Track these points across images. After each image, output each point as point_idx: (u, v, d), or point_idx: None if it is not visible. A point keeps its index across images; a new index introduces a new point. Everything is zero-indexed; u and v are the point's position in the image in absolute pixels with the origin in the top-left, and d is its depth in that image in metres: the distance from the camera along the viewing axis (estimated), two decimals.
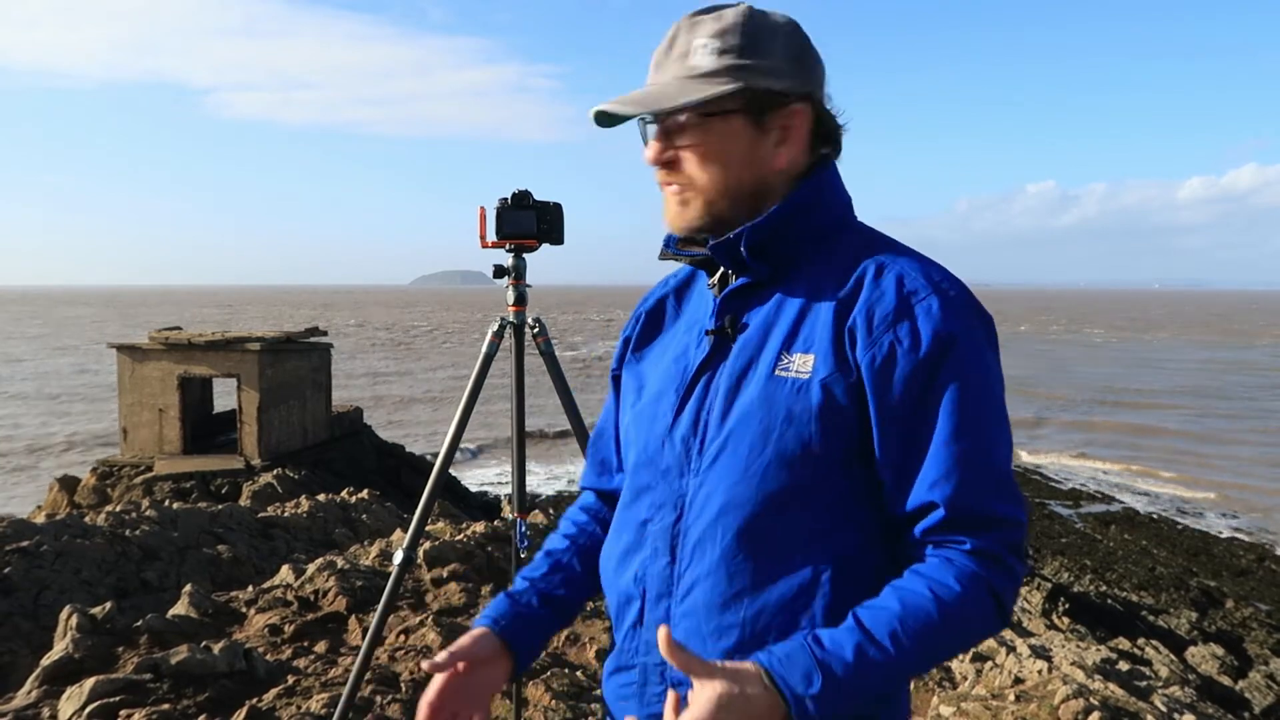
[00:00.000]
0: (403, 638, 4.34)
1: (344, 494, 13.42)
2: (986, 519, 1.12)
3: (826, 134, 1.28)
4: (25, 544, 6.83)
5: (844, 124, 1.29)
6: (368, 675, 3.67)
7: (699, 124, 1.22)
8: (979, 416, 1.13)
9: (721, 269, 1.30)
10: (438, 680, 1.25)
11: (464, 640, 1.29)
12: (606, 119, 1.25)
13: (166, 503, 12.36)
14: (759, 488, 1.18)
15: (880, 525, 1.20)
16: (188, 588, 4.95)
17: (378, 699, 3.55)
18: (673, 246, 1.34)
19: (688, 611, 1.22)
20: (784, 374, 1.19)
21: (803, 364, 1.18)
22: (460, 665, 1.26)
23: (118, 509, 9.76)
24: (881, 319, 1.16)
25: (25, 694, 3.58)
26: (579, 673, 4.19)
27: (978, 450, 1.12)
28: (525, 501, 2.77)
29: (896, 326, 1.15)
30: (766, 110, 1.23)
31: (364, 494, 13.29)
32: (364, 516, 11.51)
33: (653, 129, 1.26)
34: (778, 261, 1.25)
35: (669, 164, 1.25)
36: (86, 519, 8.38)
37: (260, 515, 10.40)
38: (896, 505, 1.16)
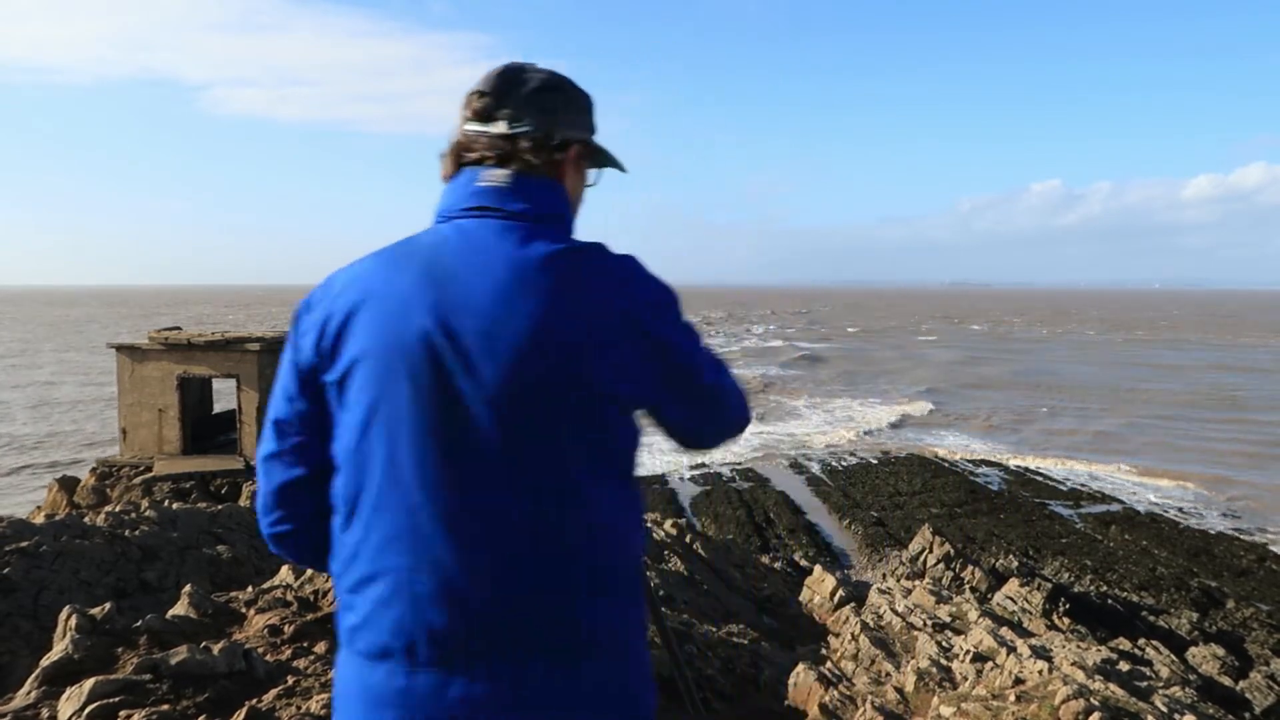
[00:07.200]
0: None
1: None
2: None
3: None
4: (25, 544, 6.83)
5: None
6: None
7: None
8: None
9: None
10: None
11: None
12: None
13: (166, 503, 12.36)
14: None
15: None
16: (187, 588, 4.93)
17: None
18: None
19: None
20: None
21: None
22: None
23: (117, 509, 9.75)
24: None
25: (24, 694, 3.58)
26: None
27: None
28: None
29: None
30: None
31: None
32: None
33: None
34: None
35: None
36: (86, 519, 8.37)
37: None
38: None
